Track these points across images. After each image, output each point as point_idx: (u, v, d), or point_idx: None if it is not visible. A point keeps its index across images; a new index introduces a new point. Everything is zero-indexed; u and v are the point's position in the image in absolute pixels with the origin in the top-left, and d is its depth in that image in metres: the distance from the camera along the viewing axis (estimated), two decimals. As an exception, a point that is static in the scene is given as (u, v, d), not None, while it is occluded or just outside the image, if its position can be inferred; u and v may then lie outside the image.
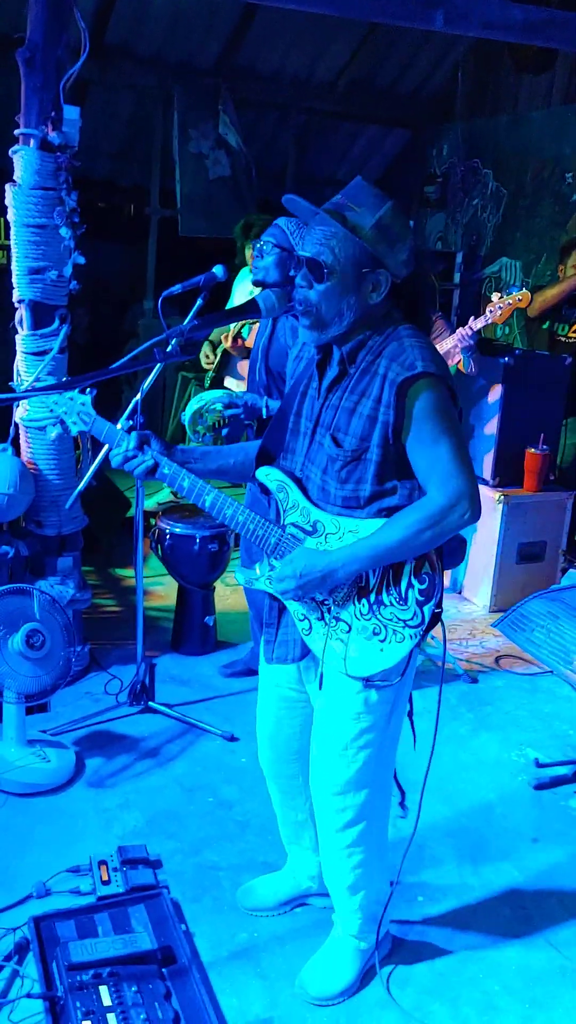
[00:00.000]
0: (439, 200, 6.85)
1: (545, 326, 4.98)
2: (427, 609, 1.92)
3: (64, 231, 3.20)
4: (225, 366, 5.04)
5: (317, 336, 1.92)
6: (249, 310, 1.94)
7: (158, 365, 2.33)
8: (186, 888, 2.56)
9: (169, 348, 1.90)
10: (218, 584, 4.08)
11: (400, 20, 3.57)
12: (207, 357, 5.03)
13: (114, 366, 1.96)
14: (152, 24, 6.05)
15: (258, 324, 4.54)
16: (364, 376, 1.90)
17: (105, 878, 2.47)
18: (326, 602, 2.01)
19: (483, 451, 4.53)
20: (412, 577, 1.93)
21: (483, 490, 4.45)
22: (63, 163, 3.14)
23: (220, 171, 6.53)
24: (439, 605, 1.95)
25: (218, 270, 2.61)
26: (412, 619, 1.93)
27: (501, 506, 4.39)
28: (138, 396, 2.99)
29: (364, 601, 1.97)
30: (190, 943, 2.32)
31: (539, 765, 3.22)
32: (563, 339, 4.91)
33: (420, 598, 1.92)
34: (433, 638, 4.05)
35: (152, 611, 4.18)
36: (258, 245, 3.14)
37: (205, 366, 5.05)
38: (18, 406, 3.39)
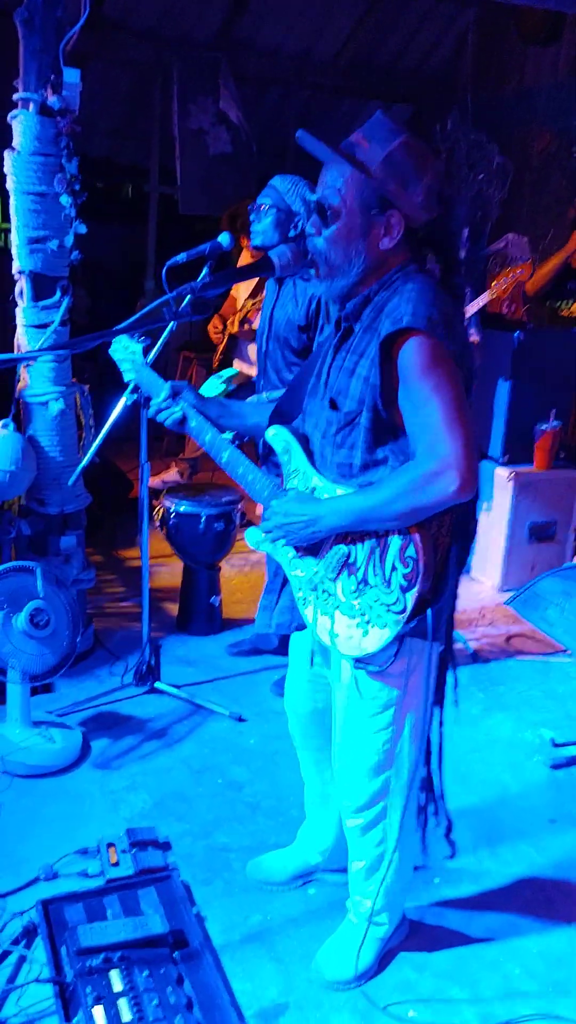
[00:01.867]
0: (443, 175, 6.73)
1: (548, 303, 4.90)
2: (409, 596, 1.77)
3: (65, 199, 3.10)
4: (234, 348, 4.95)
5: (327, 287, 1.81)
6: (263, 267, 1.85)
7: (165, 332, 2.26)
8: (196, 870, 2.49)
9: (182, 306, 1.81)
10: (223, 564, 4.01)
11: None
12: (215, 327, 4.92)
13: (122, 325, 1.88)
14: (150, -6, 5.93)
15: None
16: (366, 335, 1.78)
17: (114, 860, 2.40)
18: (318, 573, 1.93)
19: (492, 428, 4.44)
20: (396, 559, 1.78)
21: (493, 468, 4.38)
22: (63, 128, 3.04)
23: (221, 147, 6.41)
24: (431, 593, 1.81)
25: (223, 238, 2.53)
26: (394, 604, 1.79)
27: (511, 484, 4.30)
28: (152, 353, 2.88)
29: (352, 578, 1.86)
30: (202, 926, 2.25)
31: (556, 745, 3.15)
32: (566, 315, 4.83)
33: (403, 583, 1.77)
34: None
35: (157, 592, 4.10)
36: (254, 208, 3.07)
37: (214, 338, 4.95)
38: (19, 380, 3.31)
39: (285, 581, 2.10)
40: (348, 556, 1.86)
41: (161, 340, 2.51)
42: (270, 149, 6.61)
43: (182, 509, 3.65)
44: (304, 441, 1.95)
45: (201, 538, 3.65)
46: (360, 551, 1.84)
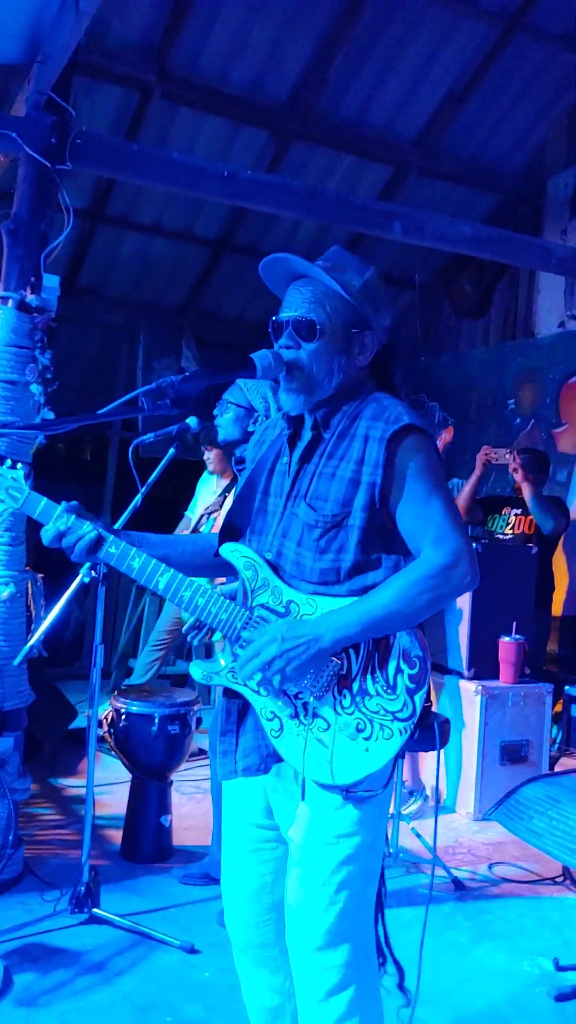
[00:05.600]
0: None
1: (487, 525, 5.06)
2: (418, 698, 1.67)
3: (35, 388, 3.17)
4: None
5: (303, 401, 1.80)
6: (244, 368, 1.84)
7: (161, 464, 2.19)
8: None
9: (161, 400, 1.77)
10: (172, 791, 3.62)
11: (364, 227, 3.90)
12: None
13: (101, 411, 1.83)
14: (122, 269, 6.57)
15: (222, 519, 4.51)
16: (341, 440, 1.77)
17: None
18: (301, 694, 1.72)
19: (453, 642, 4.35)
20: (401, 661, 1.68)
21: (460, 683, 4.23)
22: (39, 324, 3.18)
23: (181, 398, 6.81)
24: (429, 697, 1.73)
25: (192, 421, 2.56)
26: (401, 711, 1.67)
27: (480, 698, 4.12)
28: (137, 499, 2.68)
29: (346, 692, 1.69)
30: None
31: (559, 968, 2.73)
32: (501, 536, 4.96)
33: (410, 685, 1.67)
34: (417, 835, 3.62)
35: (99, 820, 3.67)
36: (219, 404, 3.18)
37: None
38: (-31, 564, 3.16)
39: (242, 717, 1.84)
40: (340, 668, 1.69)
41: (157, 470, 2.32)
42: (227, 400, 7.03)
43: (134, 710, 3.36)
44: (265, 558, 1.82)
45: (153, 742, 3.34)
46: (355, 659, 1.69)
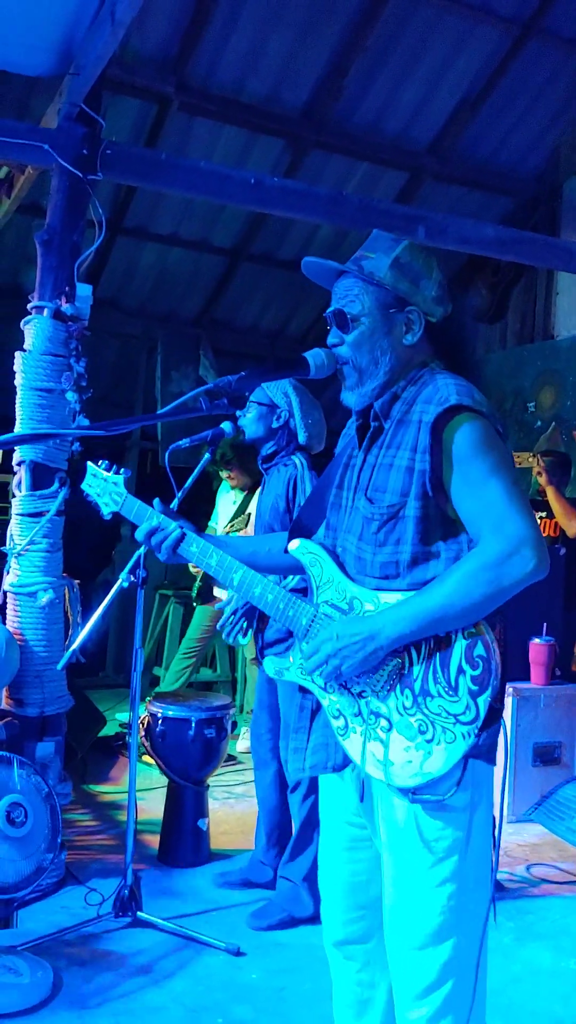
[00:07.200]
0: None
1: None
2: (482, 701, 1.61)
3: (71, 395, 3.20)
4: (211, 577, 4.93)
5: (359, 394, 1.79)
6: (298, 367, 1.86)
7: (196, 469, 2.21)
8: None
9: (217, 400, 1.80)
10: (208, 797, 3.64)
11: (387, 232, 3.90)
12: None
13: (160, 412, 1.87)
14: (140, 280, 6.61)
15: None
16: (400, 428, 1.73)
17: None
18: (364, 693, 1.72)
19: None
20: (463, 661, 1.63)
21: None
22: (74, 332, 3.22)
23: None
24: (499, 699, 1.65)
25: (226, 426, 2.57)
26: (464, 713, 1.61)
27: (510, 699, 4.12)
28: (173, 504, 2.73)
29: (408, 692, 1.67)
30: None
31: (608, 966, 2.72)
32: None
33: (473, 687, 1.61)
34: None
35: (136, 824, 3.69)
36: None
37: (193, 571, 4.93)
38: (8, 571, 3.19)
39: (314, 713, 1.86)
40: (402, 667, 1.68)
41: (194, 474, 2.37)
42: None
43: (170, 714, 3.37)
44: (333, 553, 1.83)
45: (190, 746, 3.34)
46: (416, 658, 1.67)
